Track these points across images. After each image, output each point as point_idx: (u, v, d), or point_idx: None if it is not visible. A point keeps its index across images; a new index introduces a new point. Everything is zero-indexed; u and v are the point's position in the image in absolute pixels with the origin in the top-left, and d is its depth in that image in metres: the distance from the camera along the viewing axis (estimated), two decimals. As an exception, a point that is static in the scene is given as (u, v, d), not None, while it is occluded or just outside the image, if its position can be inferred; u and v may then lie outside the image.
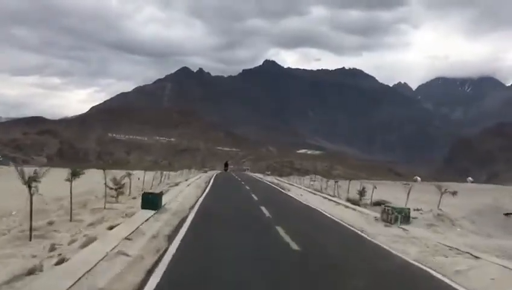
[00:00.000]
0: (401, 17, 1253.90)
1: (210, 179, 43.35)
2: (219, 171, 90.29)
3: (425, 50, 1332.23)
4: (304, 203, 24.02)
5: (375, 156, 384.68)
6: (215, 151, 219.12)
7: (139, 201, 15.69)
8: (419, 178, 67.27)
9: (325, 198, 26.84)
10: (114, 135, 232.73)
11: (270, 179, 57.27)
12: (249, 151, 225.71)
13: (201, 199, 21.66)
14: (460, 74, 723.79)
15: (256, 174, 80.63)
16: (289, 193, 31.46)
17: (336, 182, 36.35)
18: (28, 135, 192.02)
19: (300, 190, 34.83)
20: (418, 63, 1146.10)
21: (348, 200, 25.36)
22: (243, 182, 42.46)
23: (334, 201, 24.72)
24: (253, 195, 26.30)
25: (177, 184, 31.00)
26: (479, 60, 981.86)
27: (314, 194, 30.98)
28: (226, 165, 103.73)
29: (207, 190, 28.44)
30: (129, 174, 22.71)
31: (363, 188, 25.55)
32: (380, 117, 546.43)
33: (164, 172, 42.03)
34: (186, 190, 26.38)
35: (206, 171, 75.17)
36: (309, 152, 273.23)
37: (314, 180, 50.46)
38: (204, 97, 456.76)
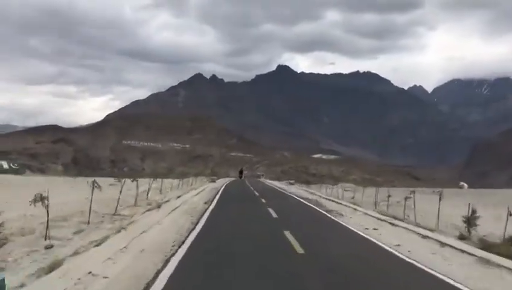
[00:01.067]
0: (416, 20, 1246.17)
1: (215, 196, 29.83)
2: (232, 179, 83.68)
3: (441, 52, 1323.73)
4: (404, 257, 10.46)
5: (391, 160, 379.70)
6: (228, 157, 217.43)
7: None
8: (465, 185, 60.36)
9: (426, 237, 13.53)
10: (128, 142, 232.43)
11: (295, 191, 43.96)
12: (262, 157, 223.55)
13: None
14: (476, 75, 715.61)
15: (274, 183, 69.40)
16: (347, 224, 16.69)
17: (388, 196, 24.34)
18: (42, 144, 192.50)
19: (358, 215, 20.51)
20: (434, 65, 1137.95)
21: (462, 237, 13.68)
22: (262, 199, 27.62)
23: (452, 247, 11.83)
24: (291, 237, 12.28)
25: (159, 206, 20.09)
26: (495, 61, 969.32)
27: (393, 225, 16.65)
28: (241, 172, 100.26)
29: (196, 230, 13.32)
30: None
31: (473, 212, 15.05)
32: (396, 121, 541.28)
33: (155, 183, 31.64)
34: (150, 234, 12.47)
35: (214, 181, 63.54)
36: (324, 157, 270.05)
37: (347, 190, 42.38)
38: (218, 103, 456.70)
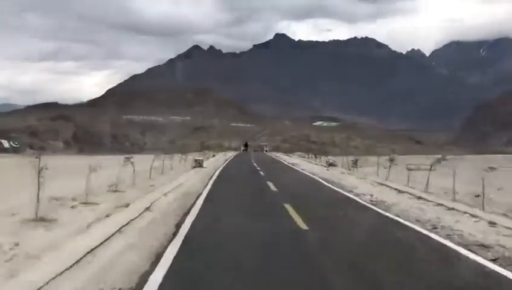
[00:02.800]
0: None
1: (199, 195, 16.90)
2: (233, 154, 71.41)
3: (438, 14, 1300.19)
4: None
5: (392, 125, 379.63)
6: (230, 128, 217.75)
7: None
8: None
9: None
10: (129, 116, 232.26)
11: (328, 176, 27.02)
12: (263, 127, 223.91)
13: None
14: (475, 36, 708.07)
15: (285, 159, 56.53)
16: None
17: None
18: (42, 121, 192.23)
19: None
20: (432, 28, 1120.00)
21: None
22: (286, 205, 14.02)
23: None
24: None
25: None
26: (494, 22, 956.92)
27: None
28: (246, 145, 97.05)
29: None
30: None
31: None
32: (395, 86, 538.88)
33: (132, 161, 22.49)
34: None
35: (200, 164, 34.46)
36: (325, 124, 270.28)
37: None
38: (217, 74, 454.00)
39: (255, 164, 39.83)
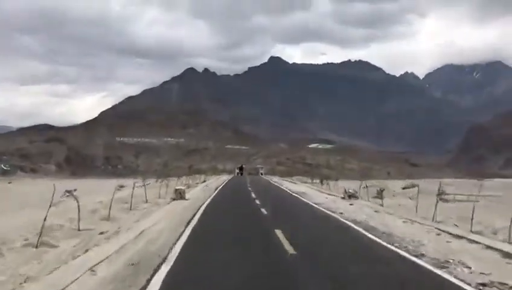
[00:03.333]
0: (406, 7, 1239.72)
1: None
2: (227, 178, 67.63)
3: (432, 38, 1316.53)
4: None
5: (386, 147, 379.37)
6: (224, 150, 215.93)
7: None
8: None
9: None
10: (122, 139, 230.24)
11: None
12: (258, 149, 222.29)
13: None
14: (468, 60, 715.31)
15: (287, 185, 48.95)
16: None
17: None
18: (35, 143, 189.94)
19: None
20: (425, 51, 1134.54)
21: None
22: None
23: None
24: None
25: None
26: (487, 45, 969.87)
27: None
28: (241, 169, 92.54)
29: None
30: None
31: None
32: (389, 108, 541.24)
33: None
34: None
35: (182, 196, 26.88)
36: (320, 146, 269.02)
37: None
38: (211, 97, 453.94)
39: (253, 195, 31.11)
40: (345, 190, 29.82)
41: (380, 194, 27.92)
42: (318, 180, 52.72)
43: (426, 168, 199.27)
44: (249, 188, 39.86)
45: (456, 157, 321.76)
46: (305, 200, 28.69)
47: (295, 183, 55.28)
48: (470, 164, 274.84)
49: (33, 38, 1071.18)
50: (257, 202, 25.54)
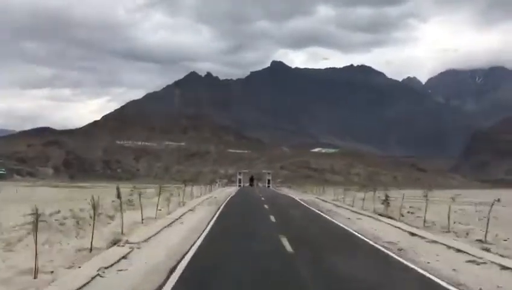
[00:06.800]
0: (409, 12, 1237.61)
1: None
2: (234, 191, 52.51)
3: (434, 43, 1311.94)
4: None
5: (389, 152, 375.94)
6: (226, 154, 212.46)
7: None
8: None
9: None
10: (122, 142, 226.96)
11: None
12: (261, 153, 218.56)
13: None
14: (470, 65, 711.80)
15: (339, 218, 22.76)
16: None
17: None
18: (33, 147, 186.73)
19: None
20: (427, 56, 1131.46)
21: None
22: None
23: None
24: None
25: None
26: (489, 50, 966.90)
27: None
28: (252, 180, 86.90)
29: None
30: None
31: None
32: (392, 112, 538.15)
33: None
34: None
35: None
36: (323, 151, 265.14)
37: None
38: (214, 101, 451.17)
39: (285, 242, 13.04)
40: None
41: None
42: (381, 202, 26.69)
43: (434, 173, 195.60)
44: (272, 219, 20.88)
45: (460, 163, 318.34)
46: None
47: (339, 207, 30.60)
48: (474, 170, 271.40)
49: (36, 43, 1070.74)
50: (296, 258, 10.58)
